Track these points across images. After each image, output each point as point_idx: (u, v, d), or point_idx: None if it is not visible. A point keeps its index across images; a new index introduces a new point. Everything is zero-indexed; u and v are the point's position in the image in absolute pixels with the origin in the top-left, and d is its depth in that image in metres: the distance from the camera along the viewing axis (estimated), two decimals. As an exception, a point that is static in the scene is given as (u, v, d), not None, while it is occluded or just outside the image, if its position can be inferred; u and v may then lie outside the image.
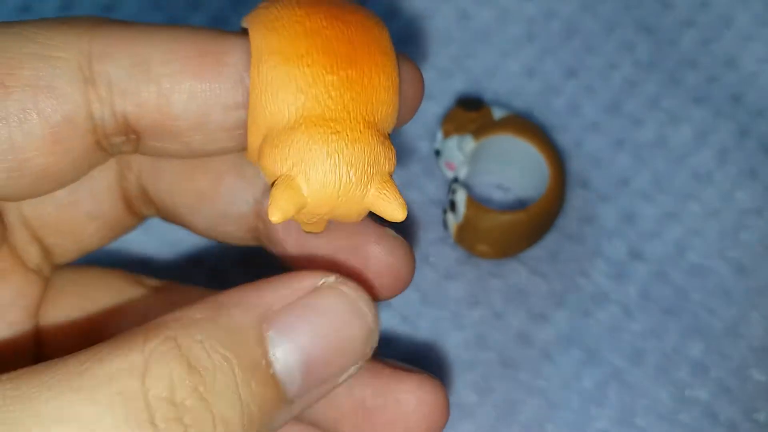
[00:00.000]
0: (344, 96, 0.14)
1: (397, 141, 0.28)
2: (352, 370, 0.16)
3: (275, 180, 0.14)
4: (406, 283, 0.20)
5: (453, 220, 0.26)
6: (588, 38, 0.29)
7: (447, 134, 0.27)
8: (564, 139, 0.28)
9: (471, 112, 0.27)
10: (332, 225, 0.16)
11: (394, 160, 0.15)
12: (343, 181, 0.14)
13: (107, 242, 0.20)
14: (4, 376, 0.13)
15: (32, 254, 0.19)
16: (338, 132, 0.13)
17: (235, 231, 0.19)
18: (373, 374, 0.19)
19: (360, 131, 0.14)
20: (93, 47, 0.15)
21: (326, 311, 0.15)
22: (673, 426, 0.25)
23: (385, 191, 0.14)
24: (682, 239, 0.28)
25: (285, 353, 0.14)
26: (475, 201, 0.25)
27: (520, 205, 0.27)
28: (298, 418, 0.20)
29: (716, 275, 0.27)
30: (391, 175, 0.14)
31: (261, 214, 0.19)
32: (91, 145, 0.16)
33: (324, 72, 0.14)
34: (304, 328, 0.15)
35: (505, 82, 0.29)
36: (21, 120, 0.15)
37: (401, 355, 0.26)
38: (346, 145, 0.14)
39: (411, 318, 0.26)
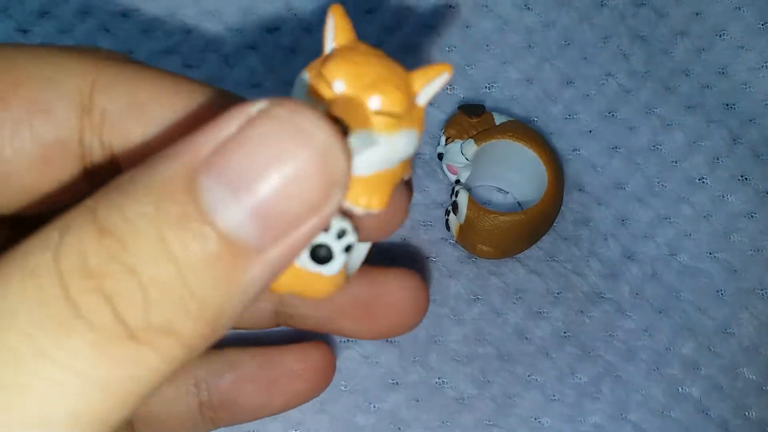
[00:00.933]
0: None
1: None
2: (334, 198, 0.12)
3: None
4: (422, 314, 0.22)
5: (455, 221, 0.27)
6: (584, 47, 0.30)
7: (450, 139, 0.27)
8: (561, 144, 0.29)
9: (473, 118, 0.27)
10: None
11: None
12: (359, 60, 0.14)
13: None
14: None
15: None
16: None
17: (259, 317, 0.21)
18: (364, 274, 0.20)
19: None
20: (98, 79, 0.15)
21: (262, 143, 0.12)
22: (665, 422, 0.26)
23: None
24: (675, 241, 0.28)
25: (224, 198, 0.12)
26: (476, 203, 0.26)
27: (519, 207, 0.28)
28: (296, 321, 0.21)
29: (708, 276, 0.28)
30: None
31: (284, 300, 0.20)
32: (78, 171, 0.16)
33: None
34: (241, 168, 0.12)
35: (505, 89, 0.29)
36: (13, 135, 0.15)
37: (404, 349, 0.26)
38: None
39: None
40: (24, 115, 0.15)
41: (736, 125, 0.29)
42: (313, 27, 0.30)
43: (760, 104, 0.30)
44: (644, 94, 0.30)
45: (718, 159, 0.29)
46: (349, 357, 0.26)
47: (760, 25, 0.30)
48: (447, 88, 0.29)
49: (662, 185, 0.29)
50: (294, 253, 0.13)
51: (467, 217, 0.26)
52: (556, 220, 0.28)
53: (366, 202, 0.15)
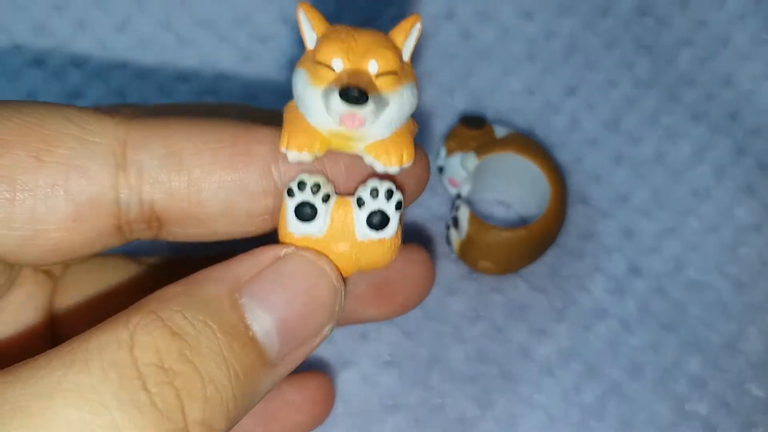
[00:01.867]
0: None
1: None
2: (326, 330, 0.16)
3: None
4: (431, 283, 0.23)
5: (456, 236, 0.26)
6: (588, 56, 0.30)
7: (450, 151, 0.27)
8: (564, 155, 0.28)
9: (473, 130, 0.27)
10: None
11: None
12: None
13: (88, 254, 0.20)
14: (5, 370, 0.13)
15: None
16: None
17: (261, 221, 0.20)
18: None
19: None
20: (129, 137, 0.16)
21: (292, 275, 0.15)
22: (672, 440, 0.26)
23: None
24: (681, 255, 0.28)
25: (260, 317, 0.15)
26: (478, 217, 0.26)
27: (521, 221, 0.28)
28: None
29: (714, 291, 0.27)
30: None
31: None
32: (111, 228, 0.17)
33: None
34: (274, 292, 0.15)
35: (507, 100, 0.29)
36: (48, 195, 0.16)
37: (404, 369, 0.26)
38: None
39: (413, 332, 0.26)
40: (60, 175, 0.16)
41: (742, 135, 0.29)
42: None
43: (765, 114, 0.30)
44: (649, 103, 0.29)
45: (724, 170, 0.29)
46: (347, 379, 0.25)
47: (764, 35, 0.30)
48: (447, 99, 0.29)
49: (668, 197, 0.28)
50: (292, 369, 0.16)
51: (468, 233, 0.25)
52: (560, 234, 0.27)
53: (398, 159, 0.16)
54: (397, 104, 0.16)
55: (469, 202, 0.27)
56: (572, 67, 0.30)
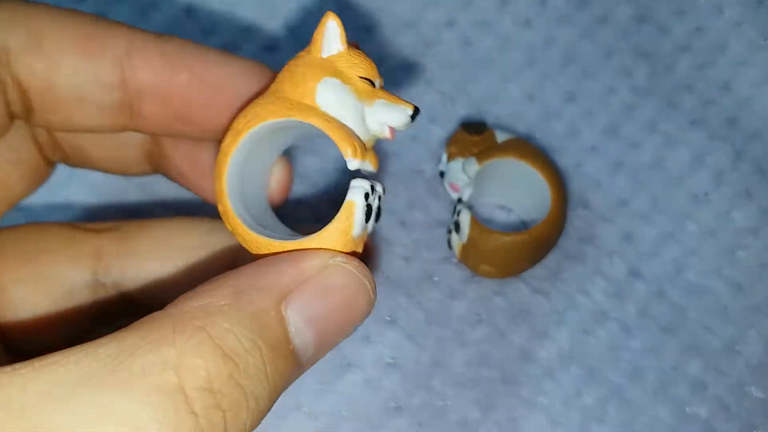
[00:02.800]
0: None
1: (403, 163, 0.28)
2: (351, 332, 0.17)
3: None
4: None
5: (457, 241, 0.26)
6: (587, 64, 0.30)
7: (451, 157, 0.27)
8: (564, 161, 0.29)
9: (474, 136, 0.27)
10: None
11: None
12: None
13: (29, 192, 0.21)
14: (32, 370, 0.13)
15: None
16: None
17: (134, 160, 0.21)
18: None
19: None
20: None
21: (337, 288, 0.16)
22: (672, 443, 0.26)
23: None
24: (680, 259, 0.28)
25: (302, 331, 0.15)
26: (479, 222, 0.26)
27: (522, 225, 0.28)
28: (170, 170, 0.21)
29: (714, 294, 0.28)
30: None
31: (156, 140, 0.21)
32: (2, 110, 0.17)
33: None
34: (319, 306, 0.16)
35: (507, 107, 0.29)
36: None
37: (407, 372, 0.26)
38: None
39: (416, 336, 0.26)
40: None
41: (740, 141, 0.29)
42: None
43: (763, 120, 0.30)
44: (647, 110, 0.30)
45: (722, 175, 0.29)
46: (351, 381, 0.25)
47: (762, 41, 0.30)
48: (448, 106, 0.29)
49: (667, 202, 0.29)
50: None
51: (470, 237, 0.26)
52: (561, 238, 0.27)
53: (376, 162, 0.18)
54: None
55: (471, 207, 0.27)
56: (571, 74, 0.30)
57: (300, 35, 0.30)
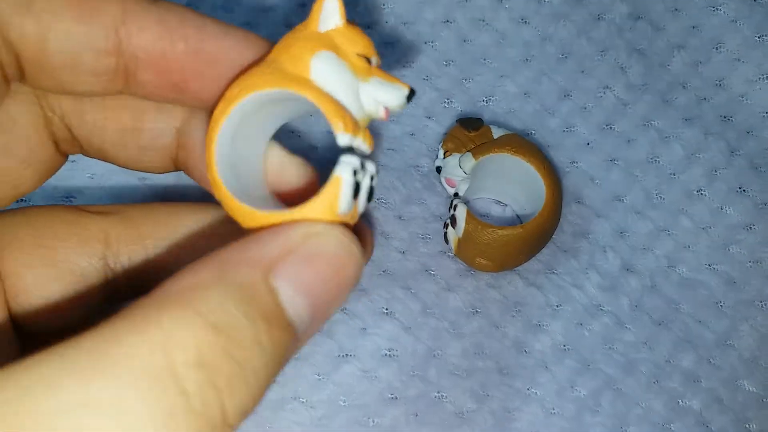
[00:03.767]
0: None
1: (400, 158, 0.29)
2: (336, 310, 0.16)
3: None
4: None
5: (453, 234, 0.27)
6: (582, 61, 0.30)
7: (448, 152, 0.27)
8: (559, 157, 0.29)
9: (471, 132, 0.27)
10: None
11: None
12: None
13: (40, 184, 0.20)
14: (16, 368, 0.12)
15: None
16: None
17: (158, 161, 0.20)
18: None
19: None
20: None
21: (324, 255, 0.15)
22: (666, 435, 0.26)
23: None
24: (674, 253, 0.28)
25: (294, 301, 0.15)
26: (475, 216, 0.26)
27: (517, 220, 0.28)
28: (191, 170, 0.20)
29: (707, 288, 0.28)
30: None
31: (182, 143, 0.20)
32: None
33: None
34: (307, 273, 0.15)
35: (503, 103, 0.29)
36: None
37: (403, 363, 0.26)
38: None
39: (412, 328, 0.26)
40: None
41: (734, 137, 0.30)
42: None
43: (757, 116, 0.30)
44: (642, 106, 0.30)
45: (716, 171, 0.29)
46: (348, 372, 0.26)
47: (756, 38, 0.31)
48: (445, 102, 0.29)
49: (661, 197, 0.29)
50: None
51: (465, 231, 0.26)
52: (555, 233, 0.28)
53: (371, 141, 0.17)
54: None
55: (467, 202, 0.27)
56: (567, 71, 0.30)
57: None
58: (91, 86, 0.18)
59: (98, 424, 0.12)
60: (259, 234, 0.15)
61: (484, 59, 0.30)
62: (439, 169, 0.28)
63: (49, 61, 0.17)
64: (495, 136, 0.27)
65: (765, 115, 0.30)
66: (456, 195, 0.27)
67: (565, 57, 0.30)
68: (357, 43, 0.17)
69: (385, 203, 0.28)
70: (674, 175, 0.29)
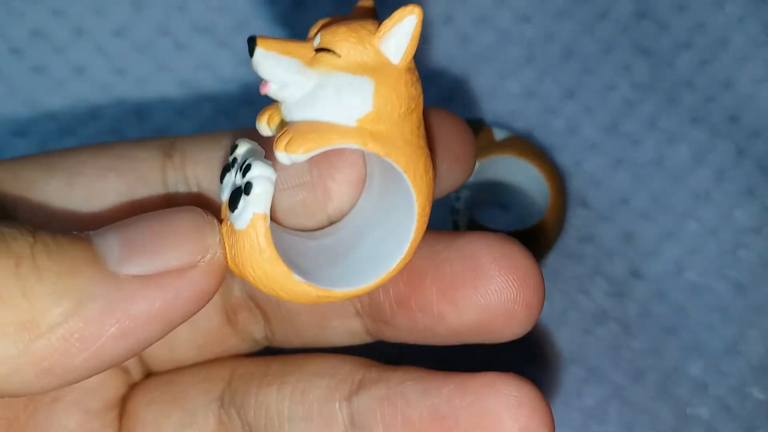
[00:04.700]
0: None
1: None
2: (196, 258, 0.14)
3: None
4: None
5: (455, 240, 0.26)
6: (586, 60, 0.30)
7: (448, 155, 0.27)
8: (564, 159, 0.29)
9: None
10: None
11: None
12: None
13: (206, 357, 0.18)
14: None
15: None
16: None
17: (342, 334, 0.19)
18: (437, 379, 0.16)
19: None
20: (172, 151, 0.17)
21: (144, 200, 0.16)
22: (673, 444, 0.25)
23: None
24: (681, 258, 0.28)
25: (102, 230, 0.14)
26: (477, 221, 0.26)
27: (521, 224, 0.28)
28: (390, 332, 0.18)
29: (715, 293, 0.27)
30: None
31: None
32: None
33: None
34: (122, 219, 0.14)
35: (506, 103, 0.29)
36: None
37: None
38: None
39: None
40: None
41: (742, 138, 0.29)
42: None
43: (765, 117, 0.30)
44: (648, 107, 0.29)
45: (723, 173, 0.29)
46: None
47: (764, 37, 0.30)
48: (445, 103, 0.29)
49: (667, 200, 0.28)
50: (151, 287, 0.14)
51: (468, 236, 0.25)
52: (560, 238, 0.27)
53: (281, 145, 0.13)
54: (321, 86, 0.13)
55: (469, 206, 0.27)
56: (571, 70, 0.30)
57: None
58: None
59: None
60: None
61: (486, 58, 0.30)
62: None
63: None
64: (497, 138, 0.27)
65: (773, 115, 0.30)
66: (457, 199, 0.27)
67: (569, 56, 0.30)
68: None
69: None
70: (681, 177, 0.29)
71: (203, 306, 0.14)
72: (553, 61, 0.30)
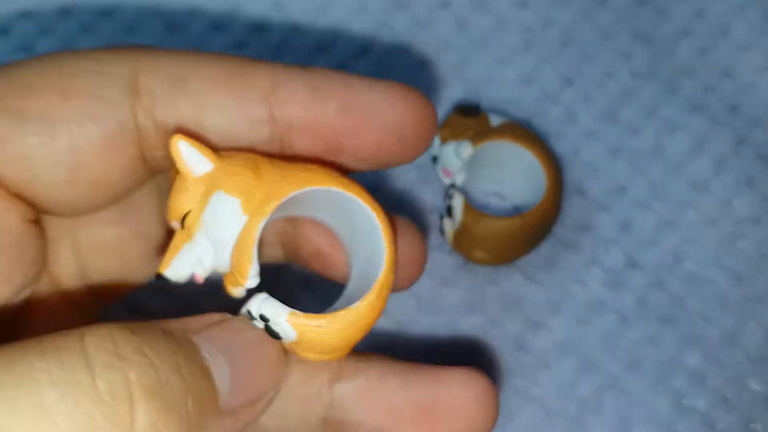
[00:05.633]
0: None
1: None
2: (271, 393, 0.16)
3: None
4: (422, 269, 0.22)
5: (450, 226, 0.26)
6: (585, 47, 0.30)
7: (444, 140, 0.27)
8: (561, 146, 0.28)
9: (468, 119, 0.27)
10: None
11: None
12: None
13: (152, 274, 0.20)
14: None
15: (77, 289, 0.19)
16: None
17: (269, 245, 0.21)
18: (419, 374, 0.19)
19: None
20: (140, 65, 0.17)
21: (241, 329, 0.16)
22: (670, 435, 0.25)
23: None
24: (679, 248, 0.28)
25: (215, 356, 0.15)
26: (472, 207, 0.25)
27: (516, 211, 0.27)
28: (346, 428, 0.19)
29: (713, 284, 0.27)
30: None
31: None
32: (137, 157, 0.17)
33: None
34: (227, 339, 0.16)
35: (503, 90, 0.29)
36: (80, 125, 0.16)
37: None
38: None
39: (407, 324, 0.26)
40: (86, 106, 0.17)
41: (742, 127, 0.29)
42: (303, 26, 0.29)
43: (765, 106, 0.29)
44: (647, 95, 0.29)
45: (723, 162, 0.29)
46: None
47: (765, 25, 0.30)
48: (441, 89, 0.29)
49: (666, 189, 0.28)
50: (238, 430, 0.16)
51: (462, 222, 0.25)
52: (556, 226, 0.27)
53: (227, 287, 0.17)
54: (204, 231, 0.17)
55: (464, 192, 0.26)
56: (569, 57, 0.29)
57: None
58: None
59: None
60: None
61: (483, 44, 0.29)
62: (434, 159, 0.27)
63: (206, 137, 0.17)
64: (493, 124, 0.27)
65: (774, 104, 0.30)
66: (453, 185, 0.27)
67: (567, 43, 0.30)
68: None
69: (380, 198, 0.27)
70: (680, 166, 0.29)
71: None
72: (551, 47, 0.29)
